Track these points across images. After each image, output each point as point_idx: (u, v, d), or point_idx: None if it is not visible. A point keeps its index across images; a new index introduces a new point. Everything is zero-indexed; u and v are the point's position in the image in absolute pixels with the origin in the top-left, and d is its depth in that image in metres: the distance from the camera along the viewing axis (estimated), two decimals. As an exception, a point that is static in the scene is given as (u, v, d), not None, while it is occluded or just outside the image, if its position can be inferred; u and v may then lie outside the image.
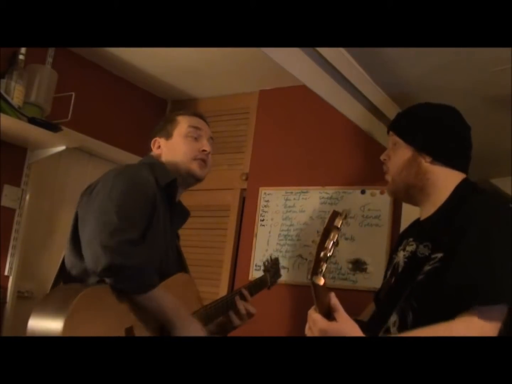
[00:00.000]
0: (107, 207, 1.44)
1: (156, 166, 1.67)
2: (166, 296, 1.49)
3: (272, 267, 2.04)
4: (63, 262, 1.59)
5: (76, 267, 1.53)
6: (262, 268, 2.08)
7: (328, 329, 1.12)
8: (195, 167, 1.70)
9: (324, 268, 1.10)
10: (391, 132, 1.46)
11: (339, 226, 1.11)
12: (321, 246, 1.11)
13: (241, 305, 1.73)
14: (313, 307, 1.17)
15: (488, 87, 2.11)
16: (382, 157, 1.47)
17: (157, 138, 1.76)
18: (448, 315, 1.15)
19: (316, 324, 1.14)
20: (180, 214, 1.76)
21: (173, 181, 1.64)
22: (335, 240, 1.11)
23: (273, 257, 2.13)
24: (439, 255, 1.24)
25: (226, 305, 1.73)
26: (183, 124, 1.74)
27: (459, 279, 1.16)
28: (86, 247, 1.45)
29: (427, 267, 1.25)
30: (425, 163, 1.36)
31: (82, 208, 1.56)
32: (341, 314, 1.14)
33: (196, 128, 1.73)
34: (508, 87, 1.99)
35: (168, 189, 1.64)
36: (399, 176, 1.40)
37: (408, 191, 1.41)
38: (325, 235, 1.11)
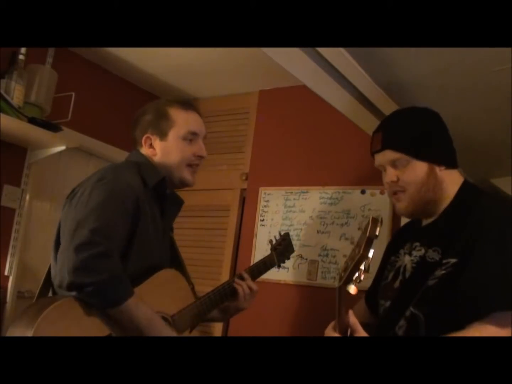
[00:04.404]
0: (82, 219, 1.40)
1: (143, 165, 1.62)
2: (139, 308, 1.40)
3: (280, 244, 1.93)
4: (49, 271, 1.55)
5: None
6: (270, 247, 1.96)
7: None
8: (187, 174, 1.65)
9: (362, 278, 1.07)
10: (387, 151, 1.35)
11: (377, 234, 1.09)
12: (364, 255, 1.08)
13: (240, 287, 1.73)
14: (331, 325, 1.14)
15: (488, 87, 2.11)
16: (390, 179, 1.36)
17: (149, 135, 1.66)
18: (462, 321, 1.14)
19: None
20: (173, 205, 1.71)
21: (161, 181, 1.61)
22: (373, 249, 1.08)
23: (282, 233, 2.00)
24: (452, 260, 1.22)
25: (224, 291, 1.72)
26: (180, 125, 1.66)
27: (475, 286, 1.16)
28: (58, 259, 1.41)
29: (439, 272, 1.24)
30: (439, 172, 1.33)
31: (63, 216, 1.54)
32: (360, 335, 1.12)
33: (194, 133, 1.68)
34: (508, 87, 1.99)
35: (157, 188, 1.60)
36: (418, 194, 1.33)
37: (426, 207, 1.35)
38: (368, 245, 1.08)
